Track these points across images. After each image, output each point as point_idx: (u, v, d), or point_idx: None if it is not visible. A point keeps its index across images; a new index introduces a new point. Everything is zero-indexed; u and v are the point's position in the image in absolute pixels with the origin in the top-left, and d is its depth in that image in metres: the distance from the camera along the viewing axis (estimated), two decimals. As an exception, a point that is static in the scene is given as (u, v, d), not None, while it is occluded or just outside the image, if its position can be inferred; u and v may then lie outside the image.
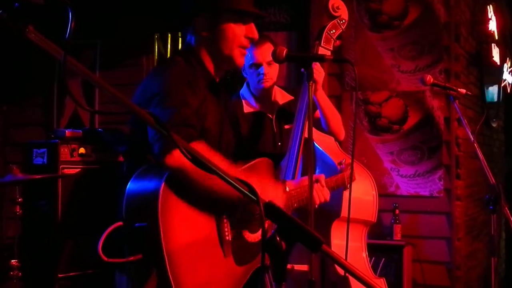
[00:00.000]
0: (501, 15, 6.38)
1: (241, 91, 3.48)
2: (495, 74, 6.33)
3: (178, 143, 1.34)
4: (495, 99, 6.37)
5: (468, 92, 3.54)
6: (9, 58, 5.82)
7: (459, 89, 3.41)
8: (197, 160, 1.35)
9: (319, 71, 3.11)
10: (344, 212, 3.04)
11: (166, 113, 2.06)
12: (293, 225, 1.27)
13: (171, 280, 1.93)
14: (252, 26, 2.36)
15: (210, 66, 2.36)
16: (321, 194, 2.70)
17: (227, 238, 2.19)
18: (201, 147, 1.99)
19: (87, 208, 4.47)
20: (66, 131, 4.62)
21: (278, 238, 1.27)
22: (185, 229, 2.03)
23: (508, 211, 3.11)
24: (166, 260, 1.92)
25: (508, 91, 6.96)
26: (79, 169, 4.54)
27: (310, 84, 2.35)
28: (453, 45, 4.71)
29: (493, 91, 6.26)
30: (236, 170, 2.14)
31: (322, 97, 3.26)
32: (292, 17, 5.26)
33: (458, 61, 4.74)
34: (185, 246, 2.01)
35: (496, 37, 6.06)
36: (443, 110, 4.66)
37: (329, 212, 3.07)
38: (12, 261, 4.00)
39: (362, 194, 3.27)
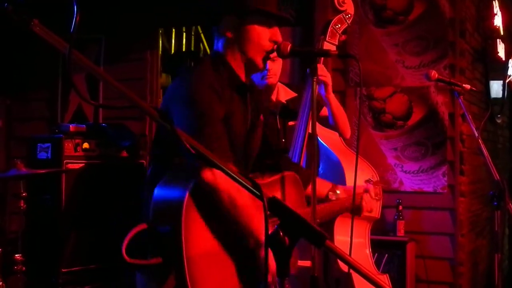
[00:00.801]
0: (507, 11, 6.36)
1: None
2: (500, 70, 6.31)
3: (183, 139, 1.33)
4: (500, 95, 6.35)
5: (473, 88, 3.53)
6: (14, 53, 5.82)
7: (464, 85, 3.40)
8: (202, 155, 1.35)
9: (325, 75, 3.11)
10: None
11: (194, 122, 2.12)
12: (296, 221, 1.27)
13: (189, 284, 1.98)
14: (277, 30, 2.35)
15: (239, 69, 2.36)
16: (370, 205, 2.84)
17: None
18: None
19: (91, 203, 4.48)
20: (70, 126, 4.63)
21: (281, 234, 1.27)
22: (205, 238, 2.09)
23: (512, 208, 3.11)
24: (186, 264, 1.99)
25: (513, 87, 6.94)
26: (83, 164, 4.54)
27: (314, 80, 2.35)
28: (458, 40, 4.69)
29: (498, 87, 6.24)
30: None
31: (333, 99, 3.29)
32: (296, 12, 5.25)
33: (463, 57, 4.73)
34: (204, 254, 2.07)
35: (502, 33, 6.04)
36: (448, 105, 4.65)
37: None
38: (16, 255, 4.01)
39: None
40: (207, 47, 6.49)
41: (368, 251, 3.28)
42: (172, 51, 5.89)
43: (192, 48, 6.48)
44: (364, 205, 2.77)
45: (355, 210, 2.72)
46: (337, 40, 3.19)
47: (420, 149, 4.70)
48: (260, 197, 1.31)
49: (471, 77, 5.06)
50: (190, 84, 2.24)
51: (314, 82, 2.32)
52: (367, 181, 2.96)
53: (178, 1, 5.41)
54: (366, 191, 2.80)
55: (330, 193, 2.72)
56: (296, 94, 3.40)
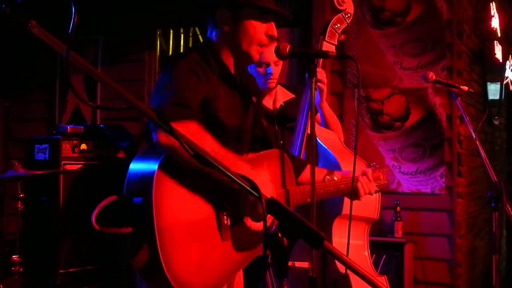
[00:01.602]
0: (504, 13, 6.37)
1: None
2: (498, 72, 6.32)
3: (181, 139, 1.34)
4: (497, 96, 6.36)
5: (470, 90, 3.53)
6: (12, 54, 5.82)
7: (461, 86, 3.40)
8: (199, 155, 1.35)
9: (323, 81, 3.11)
10: (345, 210, 3.02)
11: (164, 94, 2.13)
12: (295, 221, 1.27)
13: (160, 254, 1.96)
14: (272, 25, 2.37)
15: (228, 61, 2.38)
16: (367, 187, 2.75)
17: (225, 222, 2.19)
18: (192, 127, 2.04)
19: (89, 204, 4.47)
20: (68, 127, 4.62)
21: (280, 234, 1.27)
22: (180, 209, 2.07)
23: (509, 209, 3.11)
24: (157, 235, 1.97)
25: (511, 88, 6.95)
26: (81, 165, 4.54)
27: (313, 81, 2.35)
28: (456, 42, 4.70)
29: (495, 89, 6.25)
30: (232, 156, 2.18)
31: (326, 107, 3.30)
32: (294, 13, 5.23)
33: (460, 58, 4.74)
34: (179, 225, 2.04)
35: (499, 35, 6.05)
36: (445, 107, 4.65)
37: (331, 210, 3.05)
38: (14, 256, 4.01)
39: None
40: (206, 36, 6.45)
41: (366, 253, 3.27)
42: (170, 52, 5.88)
43: (190, 49, 6.47)
44: (360, 188, 2.73)
45: (352, 194, 2.69)
46: (336, 40, 3.18)
47: (418, 151, 4.71)
48: (259, 198, 1.31)
49: (469, 79, 5.07)
50: (168, 68, 2.27)
51: (313, 83, 2.32)
52: (369, 165, 2.95)
53: (176, 2, 5.41)
54: (364, 174, 2.76)
55: (327, 177, 2.71)
56: (294, 96, 3.40)
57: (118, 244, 2.11)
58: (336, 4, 3.16)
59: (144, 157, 2.15)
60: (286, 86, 3.52)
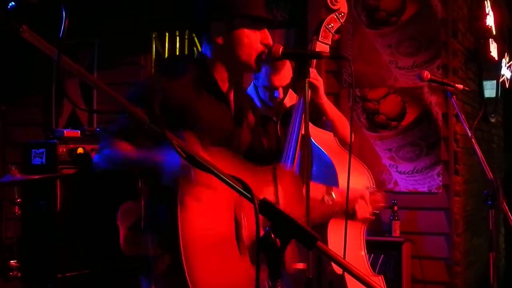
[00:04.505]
0: (499, 10, 6.38)
1: (247, 91, 3.46)
2: (493, 70, 6.33)
3: (173, 142, 1.34)
4: (494, 94, 6.37)
5: (466, 88, 3.54)
6: (8, 58, 5.82)
7: (456, 85, 3.41)
8: (192, 157, 1.35)
9: (316, 79, 3.09)
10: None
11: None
12: (287, 222, 1.27)
13: (185, 268, 2.00)
14: (266, 32, 2.37)
15: (221, 76, 2.38)
16: (363, 210, 2.79)
17: (243, 238, 2.22)
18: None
19: (86, 208, 4.47)
20: (65, 131, 4.61)
21: (272, 236, 1.27)
22: (203, 224, 2.09)
23: (506, 206, 3.12)
24: (182, 249, 2.00)
25: (507, 86, 6.96)
26: (78, 169, 4.53)
27: (307, 81, 2.35)
28: (451, 40, 4.71)
29: (491, 87, 6.26)
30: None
31: (327, 104, 3.23)
32: (290, 14, 5.25)
33: (456, 57, 4.75)
34: (201, 240, 2.07)
35: (494, 33, 6.06)
36: (441, 106, 4.66)
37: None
38: (12, 261, 4.00)
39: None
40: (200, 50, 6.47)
41: (363, 252, 3.26)
42: (166, 55, 5.88)
43: (186, 52, 6.48)
44: (358, 210, 2.76)
45: (349, 215, 2.71)
46: (330, 40, 3.16)
47: (415, 150, 4.71)
48: (251, 199, 1.31)
49: (464, 77, 5.08)
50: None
51: (307, 84, 2.32)
52: (368, 188, 2.95)
53: (171, 5, 5.41)
54: (362, 197, 2.79)
55: (325, 196, 2.71)
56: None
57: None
58: (329, 3, 3.15)
59: None
60: (294, 88, 3.49)
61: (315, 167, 3.12)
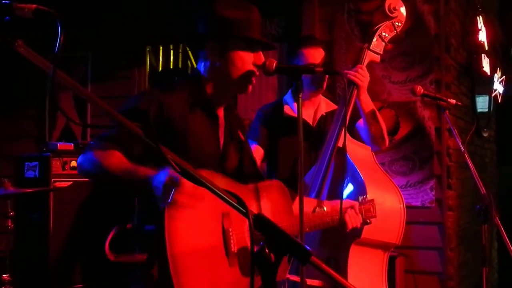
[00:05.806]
0: (491, 26, 6.43)
1: (284, 97, 3.45)
2: (486, 84, 6.36)
3: (167, 156, 1.34)
4: (486, 109, 6.40)
5: (458, 103, 3.56)
6: (2, 71, 5.81)
7: (449, 100, 3.43)
8: (186, 172, 1.36)
9: (363, 75, 3.01)
10: (365, 233, 2.88)
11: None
12: (282, 237, 1.27)
13: (173, 280, 2.00)
14: (260, 54, 2.39)
15: (213, 94, 2.41)
16: (354, 220, 2.78)
17: (232, 249, 2.23)
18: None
19: (79, 222, 4.46)
20: (58, 144, 4.62)
21: (267, 250, 1.27)
22: (191, 236, 2.10)
23: (499, 221, 3.12)
24: (170, 261, 2.00)
25: (499, 100, 7.00)
26: (71, 182, 4.52)
27: (300, 96, 2.34)
28: (444, 56, 4.73)
29: (484, 101, 6.29)
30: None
31: (365, 102, 3.18)
32: (283, 28, 5.28)
33: (448, 72, 4.77)
34: (190, 252, 2.08)
35: (486, 48, 6.10)
36: (434, 120, 4.67)
37: (348, 232, 2.85)
38: (4, 275, 3.98)
39: (386, 211, 2.97)
40: (194, 64, 6.50)
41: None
42: (160, 69, 5.89)
43: (180, 66, 6.49)
44: (348, 220, 2.75)
45: (339, 225, 2.70)
46: (382, 50, 3.00)
47: (408, 164, 4.72)
48: (246, 214, 1.32)
49: (457, 92, 5.10)
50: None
51: (300, 99, 2.31)
52: (357, 198, 2.92)
53: (165, 18, 5.43)
54: (352, 207, 2.79)
55: (317, 208, 2.71)
56: (337, 107, 3.32)
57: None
58: (387, 10, 2.97)
59: None
60: (332, 99, 3.47)
61: (349, 182, 3.05)
